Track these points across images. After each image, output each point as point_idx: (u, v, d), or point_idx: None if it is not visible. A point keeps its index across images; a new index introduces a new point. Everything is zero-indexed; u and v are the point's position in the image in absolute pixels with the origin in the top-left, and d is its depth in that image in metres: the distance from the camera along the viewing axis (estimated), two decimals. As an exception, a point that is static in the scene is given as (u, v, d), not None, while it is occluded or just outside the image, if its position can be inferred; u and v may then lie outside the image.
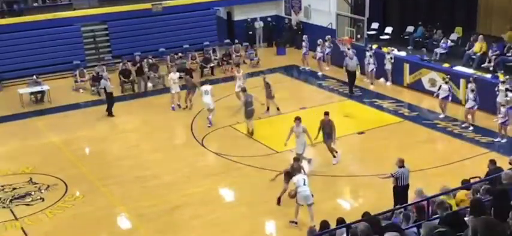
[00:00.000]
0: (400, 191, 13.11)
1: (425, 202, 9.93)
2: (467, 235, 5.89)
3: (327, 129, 16.37)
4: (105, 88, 21.45)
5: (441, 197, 10.15)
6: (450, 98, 19.71)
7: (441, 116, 19.75)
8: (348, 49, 23.84)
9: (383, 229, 7.90)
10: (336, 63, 25.37)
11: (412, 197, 12.33)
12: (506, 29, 22.13)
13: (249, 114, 18.77)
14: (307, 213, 13.15)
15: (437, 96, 19.95)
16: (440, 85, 19.96)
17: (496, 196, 7.01)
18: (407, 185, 13.20)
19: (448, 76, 20.27)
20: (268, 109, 20.75)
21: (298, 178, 13.36)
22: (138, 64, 24.06)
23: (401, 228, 8.43)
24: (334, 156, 16.50)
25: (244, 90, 19.41)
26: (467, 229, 6.46)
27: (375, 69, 23.27)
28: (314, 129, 16.39)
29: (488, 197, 9.63)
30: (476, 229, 5.08)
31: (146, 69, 25.03)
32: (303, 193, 13.13)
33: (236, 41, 28.64)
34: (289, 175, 13.92)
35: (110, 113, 21.29)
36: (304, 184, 13.22)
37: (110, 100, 21.42)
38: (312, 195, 13.26)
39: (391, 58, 23.12)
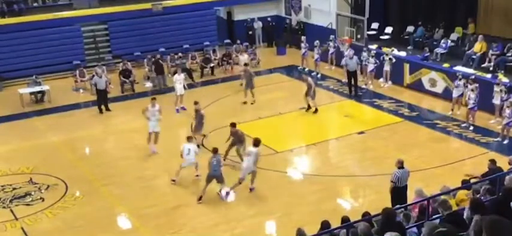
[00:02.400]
0: (397, 192, 13.05)
1: (425, 202, 9.92)
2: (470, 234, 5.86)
3: (235, 139, 16.52)
4: (96, 85, 21.66)
5: (442, 197, 10.14)
6: (464, 95, 19.64)
7: (449, 113, 19.79)
8: (347, 47, 23.88)
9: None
10: (337, 63, 25.39)
11: (411, 198, 12.31)
12: (468, 22, 23.19)
13: None
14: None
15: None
16: (457, 84, 19.79)
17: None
18: (405, 186, 13.12)
19: (461, 73, 20.14)
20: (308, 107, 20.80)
21: (183, 146, 15.68)
22: (159, 62, 24.46)
23: (404, 227, 8.44)
24: (243, 160, 15.77)
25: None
26: (469, 228, 6.44)
27: (374, 70, 23.26)
28: (311, 129, 16.42)
29: (489, 197, 9.68)
30: (481, 228, 5.05)
31: (146, 68, 25.17)
32: (188, 160, 15.57)
33: (238, 41, 28.62)
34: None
35: (106, 108, 21.65)
36: (188, 154, 15.51)
37: (100, 97, 21.70)
38: (196, 168, 15.71)
39: (390, 59, 23.11)
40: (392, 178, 12.98)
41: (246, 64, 22.82)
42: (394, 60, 23.02)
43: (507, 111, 17.39)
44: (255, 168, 14.94)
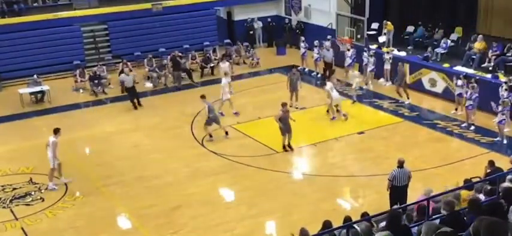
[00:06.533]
0: (396, 192, 13.01)
1: (426, 202, 9.90)
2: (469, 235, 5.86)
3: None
4: (123, 83, 22.00)
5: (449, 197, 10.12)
6: (464, 95, 19.64)
7: (452, 112, 19.88)
8: (347, 47, 23.99)
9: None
10: (336, 63, 25.38)
11: (412, 198, 12.29)
12: (386, 20, 24.56)
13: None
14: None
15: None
16: (457, 83, 19.84)
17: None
18: (405, 186, 13.08)
19: (464, 73, 20.15)
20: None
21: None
22: (176, 59, 24.72)
23: (410, 229, 8.42)
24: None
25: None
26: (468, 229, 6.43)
27: (375, 69, 23.26)
28: (311, 129, 16.42)
29: (489, 198, 9.67)
30: (479, 230, 5.05)
31: (146, 68, 25.21)
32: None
33: (238, 42, 28.62)
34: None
35: (135, 106, 21.89)
36: None
37: (131, 94, 22.02)
38: None
39: (389, 58, 23.11)
40: (389, 176, 12.98)
41: (294, 66, 22.59)
42: (391, 59, 23.07)
43: (499, 109, 17.32)
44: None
